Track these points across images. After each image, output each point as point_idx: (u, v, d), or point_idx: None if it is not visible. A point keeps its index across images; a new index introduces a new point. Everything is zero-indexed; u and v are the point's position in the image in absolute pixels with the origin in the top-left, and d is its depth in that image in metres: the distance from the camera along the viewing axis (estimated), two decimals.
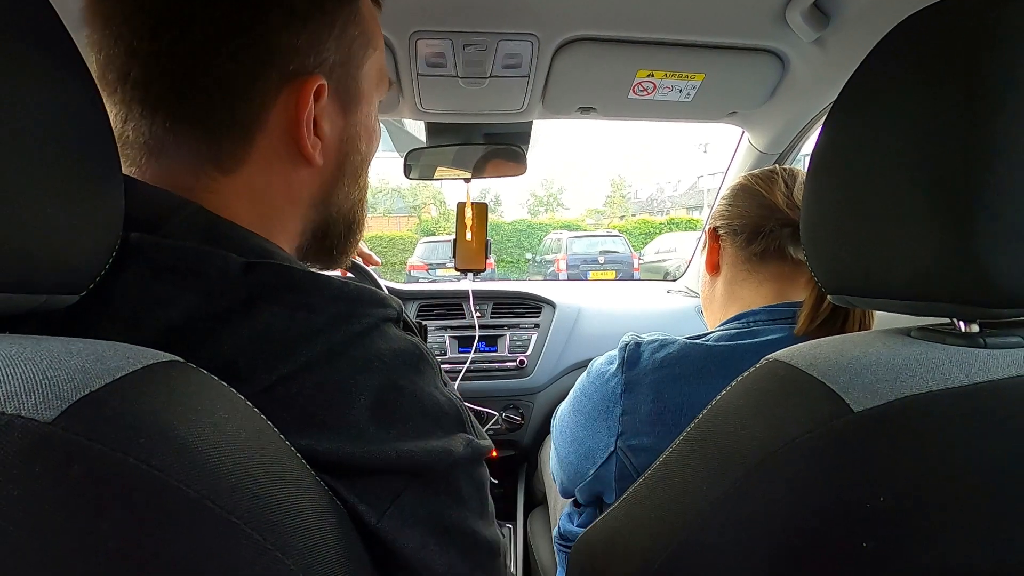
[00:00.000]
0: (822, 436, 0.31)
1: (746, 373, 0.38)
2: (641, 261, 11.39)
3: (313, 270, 0.36)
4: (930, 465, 0.29)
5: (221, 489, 0.23)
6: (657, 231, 15.71)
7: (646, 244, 13.66)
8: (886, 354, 0.33)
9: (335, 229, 0.46)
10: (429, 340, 1.33)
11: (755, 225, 0.66)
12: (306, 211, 0.43)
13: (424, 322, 1.34)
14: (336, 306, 0.34)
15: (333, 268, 0.50)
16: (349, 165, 0.44)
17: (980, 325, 0.34)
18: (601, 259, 10.86)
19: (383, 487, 0.32)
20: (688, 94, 0.96)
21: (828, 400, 0.31)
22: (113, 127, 0.36)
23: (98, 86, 0.36)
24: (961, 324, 0.34)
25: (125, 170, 0.37)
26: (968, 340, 0.33)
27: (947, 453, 0.29)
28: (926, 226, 0.32)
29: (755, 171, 0.71)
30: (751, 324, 0.62)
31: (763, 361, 0.38)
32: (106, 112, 0.30)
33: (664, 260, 10.57)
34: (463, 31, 0.81)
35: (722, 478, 0.35)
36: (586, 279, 9.88)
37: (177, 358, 0.26)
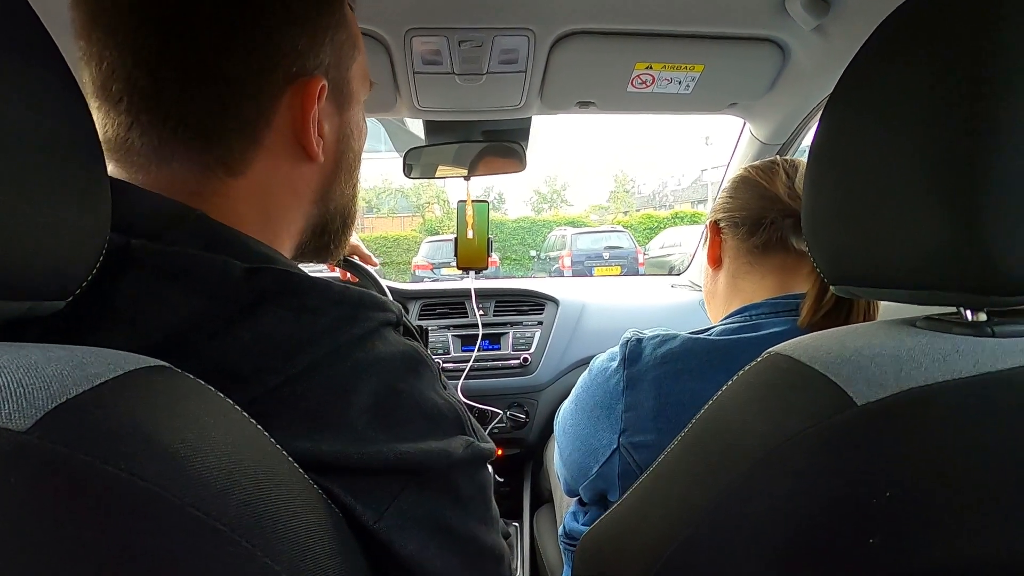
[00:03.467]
0: (825, 430, 0.30)
1: (748, 367, 0.37)
2: (646, 256, 11.35)
3: (313, 275, 0.36)
4: (937, 458, 0.28)
5: (206, 496, 0.22)
6: (661, 226, 15.64)
7: (651, 239, 13.62)
8: (890, 345, 0.32)
9: (332, 225, 0.47)
10: (432, 339, 1.33)
11: (756, 217, 0.65)
12: (308, 208, 0.44)
13: (425, 324, 1.33)
14: (339, 309, 0.34)
15: (327, 263, 0.52)
16: (345, 162, 0.46)
17: (988, 313, 0.33)
18: (606, 255, 10.84)
19: (381, 487, 0.32)
20: (687, 86, 0.95)
21: (830, 393, 0.30)
22: (116, 136, 0.37)
23: (100, 97, 0.36)
24: (968, 313, 0.33)
25: (132, 177, 0.37)
26: (975, 329, 0.32)
27: (955, 445, 0.28)
28: (931, 213, 0.31)
29: (756, 163, 0.70)
30: (754, 317, 0.61)
31: (765, 355, 0.37)
32: (91, 117, 0.29)
33: (669, 255, 10.53)
34: (458, 27, 0.80)
35: (725, 474, 0.34)
36: (591, 275, 9.86)
37: (163, 363, 0.26)
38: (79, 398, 0.21)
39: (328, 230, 0.47)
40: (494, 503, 0.41)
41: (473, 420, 0.41)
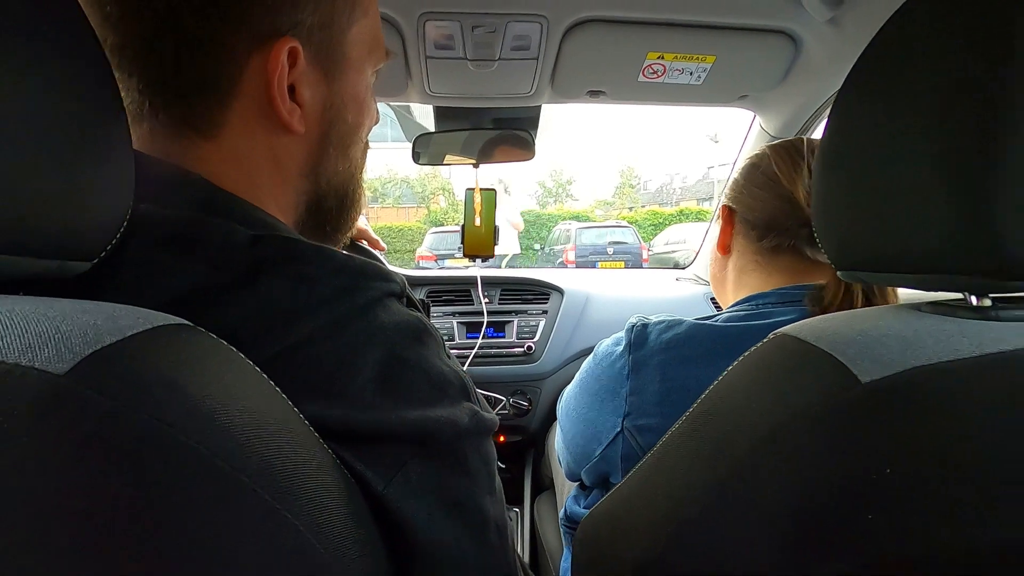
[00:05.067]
0: (829, 408, 0.31)
1: (753, 348, 0.38)
2: (651, 252, 11.31)
3: (318, 244, 0.36)
4: (939, 436, 0.29)
5: (230, 448, 0.23)
6: (667, 222, 15.57)
7: (655, 235, 13.56)
8: (896, 326, 0.32)
9: (327, 203, 0.45)
10: (437, 325, 1.34)
11: (771, 220, 0.63)
12: (296, 182, 0.42)
13: (429, 302, 1.34)
14: (340, 278, 0.34)
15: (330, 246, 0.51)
16: (335, 134, 0.43)
17: (993, 299, 0.33)
18: (610, 250, 10.81)
19: (389, 455, 0.33)
20: (699, 77, 0.95)
21: (836, 372, 0.31)
22: None
23: None
24: (973, 298, 0.34)
25: None
26: (980, 313, 0.33)
27: (956, 424, 0.29)
28: (939, 200, 0.31)
29: (781, 148, 0.65)
30: (761, 307, 0.62)
31: (771, 335, 0.37)
32: (116, 84, 0.30)
33: (674, 251, 10.49)
34: (471, 12, 0.81)
35: (729, 453, 0.35)
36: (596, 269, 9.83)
37: (186, 322, 0.27)
38: (112, 347, 0.22)
39: (323, 208, 0.45)
40: (498, 476, 0.41)
41: (477, 391, 0.41)
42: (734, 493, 0.34)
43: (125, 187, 0.31)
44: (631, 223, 13.82)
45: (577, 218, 16.93)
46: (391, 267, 1.35)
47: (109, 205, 0.29)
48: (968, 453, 0.28)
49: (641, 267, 10.35)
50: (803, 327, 0.36)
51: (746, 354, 0.38)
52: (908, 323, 0.32)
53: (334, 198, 0.46)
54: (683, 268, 1.73)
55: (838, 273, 0.41)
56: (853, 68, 0.38)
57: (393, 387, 0.33)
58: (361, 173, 0.48)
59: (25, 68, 0.24)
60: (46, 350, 0.20)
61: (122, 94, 0.37)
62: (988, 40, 0.30)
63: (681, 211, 17.60)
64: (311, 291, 0.33)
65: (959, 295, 0.35)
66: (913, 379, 0.29)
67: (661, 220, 16.33)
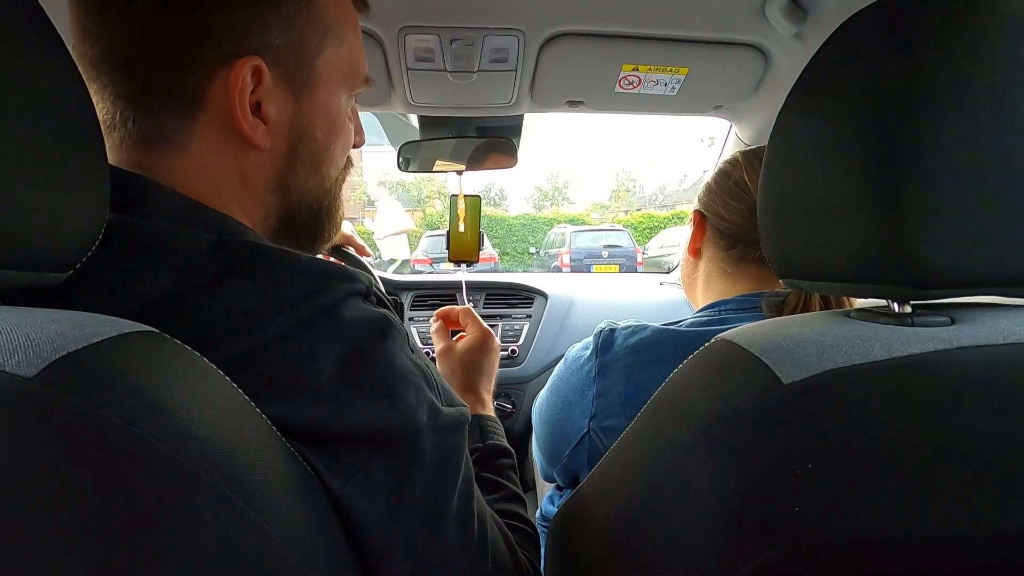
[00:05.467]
0: (756, 407, 0.33)
1: (697, 351, 0.40)
2: (645, 256, 11.37)
3: (283, 248, 0.37)
4: (852, 433, 0.31)
5: (188, 445, 0.25)
6: (662, 226, 15.64)
7: (650, 239, 13.62)
8: (818, 332, 0.35)
9: (299, 216, 0.47)
10: (422, 330, 1.36)
11: (740, 233, 0.66)
12: (263, 196, 0.44)
13: (416, 314, 1.36)
14: (305, 281, 0.36)
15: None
16: (304, 151, 0.44)
17: (912, 306, 0.36)
18: (605, 253, 10.86)
19: (349, 456, 0.34)
20: (673, 88, 0.97)
21: (762, 374, 0.33)
22: None
23: None
24: (895, 305, 0.36)
25: None
26: (898, 319, 0.35)
27: (868, 422, 0.31)
28: (863, 213, 0.34)
29: (753, 151, 0.68)
30: (722, 312, 0.64)
31: (713, 340, 0.40)
32: (91, 100, 0.32)
33: (668, 255, 10.52)
34: (450, 26, 0.83)
35: (672, 449, 0.37)
36: (589, 273, 9.89)
37: (153, 329, 0.29)
38: (79, 352, 0.24)
39: (296, 220, 0.46)
40: (468, 467, 0.42)
41: (446, 384, 0.42)
42: (678, 487, 0.36)
43: (100, 199, 0.32)
44: (626, 226, 13.87)
45: (573, 221, 16.97)
46: (381, 272, 1.37)
47: (85, 217, 0.31)
48: (876, 449, 0.31)
49: (636, 270, 10.40)
50: (740, 333, 0.38)
51: (690, 357, 0.41)
52: (829, 328, 0.35)
53: (307, 212, 0.47)
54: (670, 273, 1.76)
55: (780, 281, 0.44)
56: (795, 85, 0.40)
57: (355, 379, 0.34)
58: (338, 188, 0.49)
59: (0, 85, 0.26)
60: (16, 356, 0.22)
61: (98, 104, 0.38)
62: (899, 68, 0.32)
63: (676, 215, 17.65)
64: (276, 294, 0.34)
65: (884, 302, 0.37)
66: (828, 381, 0.32)
67: (656, 223, 16.39)
